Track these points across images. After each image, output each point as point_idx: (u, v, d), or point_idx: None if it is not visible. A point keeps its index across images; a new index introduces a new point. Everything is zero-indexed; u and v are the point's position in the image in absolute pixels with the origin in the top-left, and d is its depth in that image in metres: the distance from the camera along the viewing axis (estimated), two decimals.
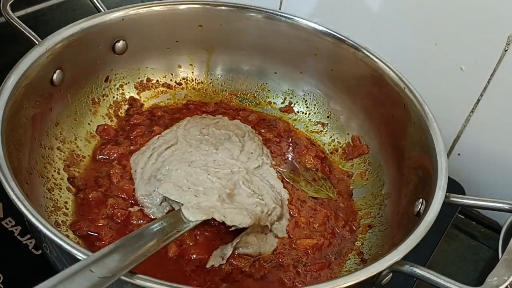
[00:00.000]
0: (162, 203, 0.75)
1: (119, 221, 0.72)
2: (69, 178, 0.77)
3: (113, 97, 0.90)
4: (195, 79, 0.98)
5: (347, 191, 0.86)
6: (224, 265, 0.69)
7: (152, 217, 0.74)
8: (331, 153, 0.92)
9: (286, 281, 0.70)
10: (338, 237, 0.78)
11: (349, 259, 0.76)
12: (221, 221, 0.69)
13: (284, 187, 0.82)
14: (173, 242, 0.67)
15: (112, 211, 0.73)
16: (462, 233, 0.96)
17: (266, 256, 0.73)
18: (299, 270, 0.72)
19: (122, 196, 0.76)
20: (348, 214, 0.82)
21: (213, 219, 0.69)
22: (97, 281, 0.47)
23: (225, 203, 0.72)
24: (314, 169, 0.88)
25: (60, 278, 0.46)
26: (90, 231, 0.71)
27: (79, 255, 0.51)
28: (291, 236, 0.76)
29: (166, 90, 0.96)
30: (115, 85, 0.90)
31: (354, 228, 0.80)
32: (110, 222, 0.72)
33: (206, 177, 0.76)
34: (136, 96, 0.93)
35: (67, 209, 0.73)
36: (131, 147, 0.84)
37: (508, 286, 0.55)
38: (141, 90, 0.93)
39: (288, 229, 0.77)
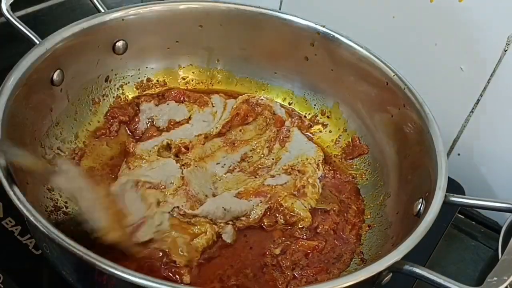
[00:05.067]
0: None
1: None
2: None
3: (113, 97, 0.90)
4: (195, 79, 0.98)
5: (355, 191, 0.85)
6: None
7: None
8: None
9: (281, 282, 0.69)
10: (343, 241, 0.77)
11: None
12: None
13: None
14: None
15: None
16: (462, 233, 0.96)
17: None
18: (295, 273, 0.71)
19: None
20: (356, 216, 0.80)
21: None
22: None
23: None
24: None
25: None
26: None
27: (79, 255, 0.51)
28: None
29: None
30: (115, 85, 0.90)
31: (360, 232, 0.79)
32: None
33: None
34: None
35: (67, 209, 0.73)
36: None
37: (508, 286, 0.55)
38: (141, 90, 0.93)
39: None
